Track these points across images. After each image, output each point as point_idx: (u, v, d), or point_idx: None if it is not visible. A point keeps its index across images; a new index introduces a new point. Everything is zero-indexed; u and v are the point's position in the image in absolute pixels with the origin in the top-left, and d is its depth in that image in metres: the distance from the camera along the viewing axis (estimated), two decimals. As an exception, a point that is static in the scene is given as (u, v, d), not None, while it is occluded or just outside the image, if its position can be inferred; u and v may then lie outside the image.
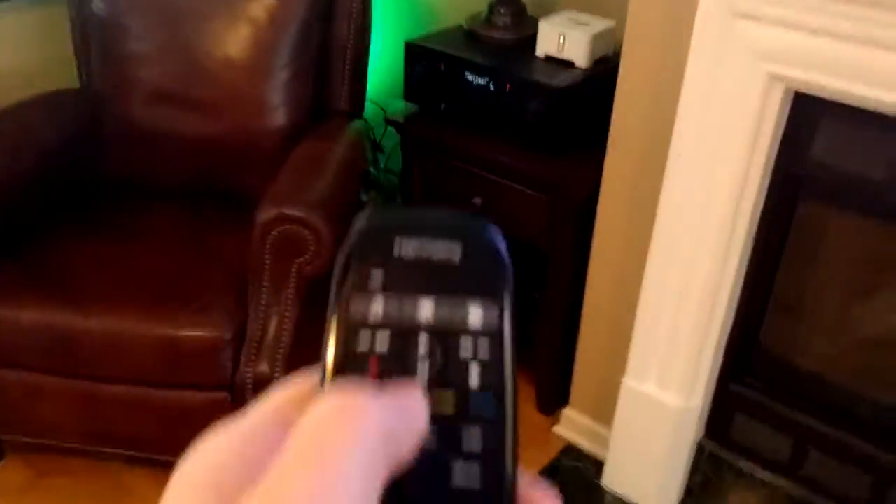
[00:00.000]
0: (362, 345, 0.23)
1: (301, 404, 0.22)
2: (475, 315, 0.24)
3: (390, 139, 2.57)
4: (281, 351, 1.55)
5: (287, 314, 1.55)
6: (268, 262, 1.53)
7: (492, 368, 0.23)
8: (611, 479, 1.78)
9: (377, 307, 0.24)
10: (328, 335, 0.23)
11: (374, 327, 0.23)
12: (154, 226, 1.78)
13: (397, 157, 2.63)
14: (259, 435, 0.22)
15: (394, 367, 0.23)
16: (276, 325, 1.55)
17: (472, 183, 1.84)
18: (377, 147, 2.52)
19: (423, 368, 0.23)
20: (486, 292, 0.24)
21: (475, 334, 0.24)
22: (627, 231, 1.62)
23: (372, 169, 2.52)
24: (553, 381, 1.98)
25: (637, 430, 1.67)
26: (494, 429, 0.23)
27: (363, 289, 0.24)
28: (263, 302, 1.55)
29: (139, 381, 1.58)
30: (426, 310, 0.24)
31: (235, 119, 1.88)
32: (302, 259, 1.52)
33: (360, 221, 0.25)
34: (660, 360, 1.58)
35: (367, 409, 0.21)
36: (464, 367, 0.23)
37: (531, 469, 1.94)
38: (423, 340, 0.23)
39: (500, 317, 0.24)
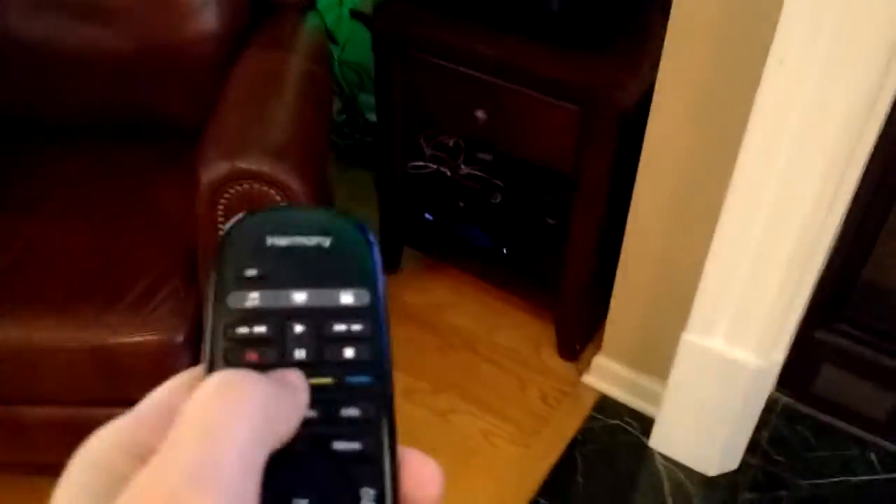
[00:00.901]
0: (242, 335, 0.24)
1: (188, 392, 0.22)
2: (347, 300, 0.25)
3: (345, 26, 2.11)
4: (254, 346, 1.18)
5: (257, 298, 1.17)
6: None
7: (366, 347, 0.25)
8: (661, 441, 1.49)
9: (253, 300, 0.25)
10: (207, 328, 0.25)
11: (252, 318, 0.25)
12: (65, 182, 1.34)
13: (354, 46, 2.18)
14: (148, 422, 0.22)
15: (272, 353, 0.24)
16: (243, 313, 1.17)
17: (473, 91, 1.43)
18: (330, 38, 2.06)
19: (301, 352, 0.24)
20: (357, 279, 0.26)
21: (348, 317, 0.25)
22: (689, 152, 1.25)
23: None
24: (577, 322, 1.66)
25: (700, 390, 1.37)
26: (371, 402, 0.24)
27: (240, 284, 0.25)
28: (223, 286, 1.16)
29: (71, 401, 1.20)
30: (300, 299, 0.25)
31: (150, 27, 1.40)
32: (270, 226, 1.13)
33: (233, 223, 0.26)
34: (733, 311, 1.25)
35: (247, 385, 0.22)
36: (339, 348, 0.25)
37: (569, 423, 1.66)
38: (298, 327, 0.25)
39: (372, 300, 0.25)
